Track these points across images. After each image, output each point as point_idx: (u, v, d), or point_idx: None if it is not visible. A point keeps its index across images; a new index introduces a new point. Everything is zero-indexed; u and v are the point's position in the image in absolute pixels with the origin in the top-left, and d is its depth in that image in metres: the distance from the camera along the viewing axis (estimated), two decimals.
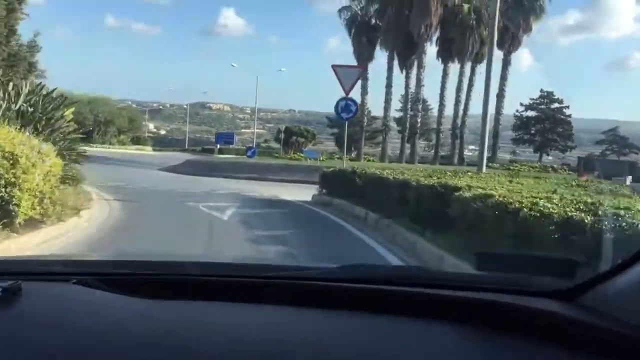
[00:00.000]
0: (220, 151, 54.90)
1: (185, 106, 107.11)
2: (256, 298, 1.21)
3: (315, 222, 11.38)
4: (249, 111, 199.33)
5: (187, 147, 72.86)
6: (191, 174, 26.58)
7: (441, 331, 1.10)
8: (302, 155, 34.67)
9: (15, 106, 10.34)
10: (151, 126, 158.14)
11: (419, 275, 1.54)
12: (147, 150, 54.50)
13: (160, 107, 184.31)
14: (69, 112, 11.31)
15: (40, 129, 10.49)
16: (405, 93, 42.57)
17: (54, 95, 11.13)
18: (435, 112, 51.06)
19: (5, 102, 10.21)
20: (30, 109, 10.44)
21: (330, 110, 18.33)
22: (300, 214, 12.74)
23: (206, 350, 0.99)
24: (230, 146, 57.78)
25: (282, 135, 53.65)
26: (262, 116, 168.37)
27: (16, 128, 10.00)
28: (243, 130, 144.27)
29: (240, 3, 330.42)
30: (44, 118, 10.50)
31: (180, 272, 1.42)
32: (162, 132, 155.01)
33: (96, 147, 49.42)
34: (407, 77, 41.65)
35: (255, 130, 63.40)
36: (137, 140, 61.15)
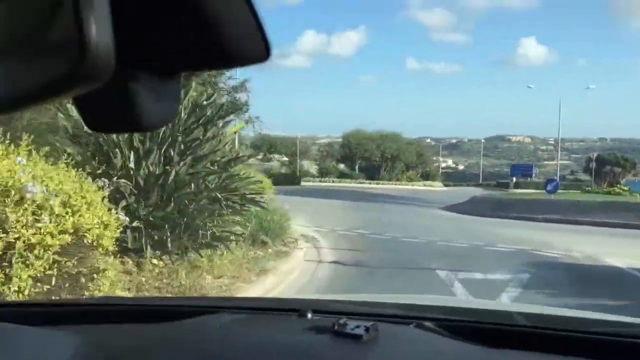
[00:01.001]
0: (517, 185, 47.56)
1: (483, 140, 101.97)
2: (592, 355, 1.14)
3: None
4: (552, 142, 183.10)
5: (480, 181, 66.87)
6: (473, 214, 20.85)
7: None
8: (624, 188, 25.79)
9: None
10: (450, 161, 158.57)
11: None
12: (436, 186, 50.11)
13: (457, 142, 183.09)
14: (231, 132, 6.91)
15: (179, 154, 6.26)
16: None
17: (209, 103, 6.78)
18: None
19: None
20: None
21: None
22: None
23: None
24: (529, 179, 49.93)
25: (593, 165, 43.86)
26: (567, 146, 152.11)
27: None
28: (545, 162, 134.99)
29: (543, 29, 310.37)
30: (181, 138, 6.23)
31: (510, 322, 1.37)
32: (460, 167, 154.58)
33: (382, 184, 47.10)
34: None
35: (559, 162, 53.77)
36: (426, 176, 57.41)
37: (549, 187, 23.37)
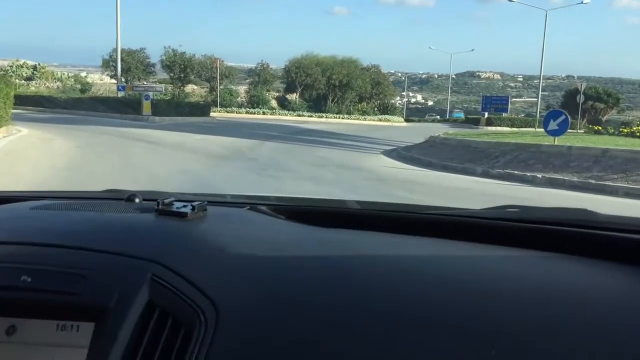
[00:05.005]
0: (489, 122, 38.48)
1: (454, 76, 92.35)
2: (423, 231, 1.12)
3: None
4: (521, 79, 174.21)
5: (447, 116, 57.73)
6: (433, 167, 11.87)
7: (612, 271, 0.98)
8: None
9: None
10: (419, 97, 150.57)
11: (588, 218, 1.22)
12: (395, 121, 40.64)
13: (426, 76, 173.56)
14: None
15: None
16: None
17: None
18: None
19: None
20: None
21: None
22: None
23: (376, 277, 0.92)
24: (503, 114, 40.88)
25: (580, 99, 34.30)
26: (535, 84, 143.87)
27: None
28: (514, 100, 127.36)
29: None
30: None
31: (342, 206, 1.40)
32: (430, 102, 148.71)
33: (326, 117, 37.43)
34: None
35: (540, 94, 44.34)
36: (384, 109, 47.62)
37: (551, 126, 14.08)
